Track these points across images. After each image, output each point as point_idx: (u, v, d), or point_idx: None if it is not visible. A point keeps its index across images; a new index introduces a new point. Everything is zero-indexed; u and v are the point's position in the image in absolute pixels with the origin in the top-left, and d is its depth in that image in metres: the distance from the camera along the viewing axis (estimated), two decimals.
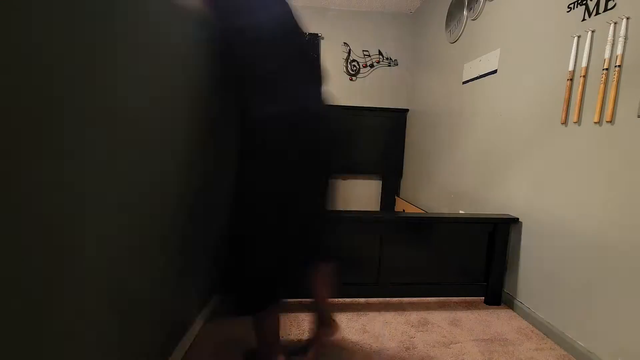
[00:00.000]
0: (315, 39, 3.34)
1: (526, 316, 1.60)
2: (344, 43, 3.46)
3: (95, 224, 0.65)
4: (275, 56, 0.99)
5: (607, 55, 1.22)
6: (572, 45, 1.37)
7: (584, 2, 1.34)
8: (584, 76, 1.33)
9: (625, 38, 1.17)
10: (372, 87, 3.53)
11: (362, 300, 1.71)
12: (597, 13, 1.28)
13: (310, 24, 3.23)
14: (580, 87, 1.33)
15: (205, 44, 1.09)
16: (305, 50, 1.11)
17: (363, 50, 3.48)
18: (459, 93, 2.31)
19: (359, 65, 3.50)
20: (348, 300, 1.69)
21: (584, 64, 1.32)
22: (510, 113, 1.78)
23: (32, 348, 0.53)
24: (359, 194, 3.66)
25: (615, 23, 1.21)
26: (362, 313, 1.61)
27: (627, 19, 1.16)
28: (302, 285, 1.13)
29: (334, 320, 1.27)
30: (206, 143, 1.20)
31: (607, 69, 1.22)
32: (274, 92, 0.95)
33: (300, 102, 0.97)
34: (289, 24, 1.04)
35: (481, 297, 1.78)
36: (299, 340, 1.33)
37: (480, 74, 2.05)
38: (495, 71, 1.91)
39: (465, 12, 2.28)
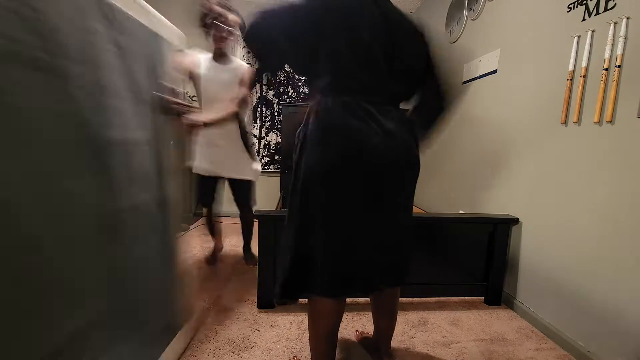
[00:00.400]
0: None
1: (526, 316, 1.60)
2: None
3: None
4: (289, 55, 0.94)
5: (607, 55, 1.22)
6: (572, 45, 1.37)
7: (584, 2, 1.34)
8: (584, 76, 1.33)
9: (625, 38, 1.17)
10: None
11: (362, 300, 1.71)
12: (597, 13, 1.28)
13: None
14: (580, 87, 1.33)
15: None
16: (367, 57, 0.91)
17: None
18: (459, 93, 2.31)
19: None
20: (348, 300, 1.69)
21: (584, 64, 1.32)
22: (510, 113, 1.78)
23: None
24: None
25: (615, 23, 1.20)
26: (362, 313, 1.60)
27: (627, 19, 1.16)
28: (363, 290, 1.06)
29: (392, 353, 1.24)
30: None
31: (607, 69, 1.22)
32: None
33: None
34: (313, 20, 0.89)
35: (481, 297, 1.78)
36: None
37: (480, 74, 2.05)
38: (495, 71, 1.91)
39: (465, 12, 2.28)
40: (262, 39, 0.89)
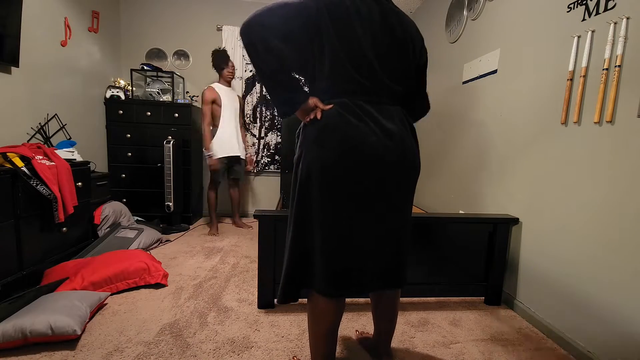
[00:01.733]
0: None
1: (526, 316, 1.60)
2: None
3: None
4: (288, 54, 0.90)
5: (607, 55, 1.22)
6: (572, 45, 1.37)
7: (584, 2, 1.34)
8: (584, 76, 1.33)
9: (625, 38, 1.17)
10: None
11: (362, 300, 1.71)
12: (597, 13, 1.28)
13: None
14: (580, 87, 1.33)
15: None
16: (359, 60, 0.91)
17: None
18: (459, 93, 2.31)
19: None
20: (348, 300, 1.69)
21: (584, 64, 1.32)
22: (510, 113, 1.78)
23: None
24: None
25: (615, 23, 1.20)
26: (362, 313, 1.60)
27: (627, 19, 1.16)
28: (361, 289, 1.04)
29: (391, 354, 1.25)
30: None
31: (607, 69, 1.22)
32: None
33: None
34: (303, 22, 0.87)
35: (481, 297, 1.78)
36: None
37: (480, 74, 2.05)
38: (495, 71, 1.91)
39: (465, 12, 2.28)
40: (258, 41, 0.86)
